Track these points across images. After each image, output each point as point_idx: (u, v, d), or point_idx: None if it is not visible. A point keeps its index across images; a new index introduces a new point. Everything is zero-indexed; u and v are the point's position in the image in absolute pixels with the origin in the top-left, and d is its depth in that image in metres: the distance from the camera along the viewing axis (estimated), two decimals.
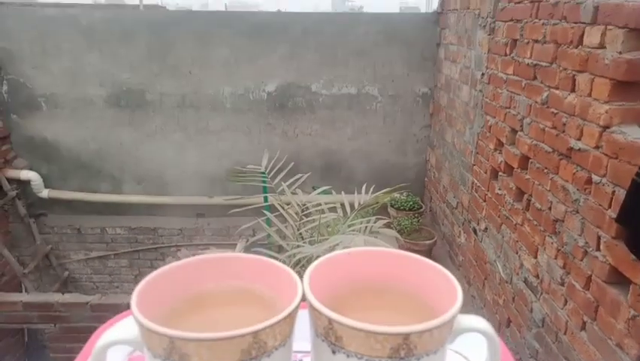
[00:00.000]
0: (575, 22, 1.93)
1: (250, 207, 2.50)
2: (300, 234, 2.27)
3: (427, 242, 3.63)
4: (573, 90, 1.96)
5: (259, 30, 4.02)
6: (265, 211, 2.50)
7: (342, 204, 2.39)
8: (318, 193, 2.46)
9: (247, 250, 3.34)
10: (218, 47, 4.06)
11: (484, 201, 2.94)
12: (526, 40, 2.38)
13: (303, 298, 0.38)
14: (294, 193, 2.40)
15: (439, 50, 4.00)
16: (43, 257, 4.46)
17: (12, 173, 4.23)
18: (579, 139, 1.91)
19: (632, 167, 1.58)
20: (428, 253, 3.65)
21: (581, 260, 1.89)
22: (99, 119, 4.24)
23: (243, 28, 4.01)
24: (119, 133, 4.29)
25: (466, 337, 0.39)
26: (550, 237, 2.14)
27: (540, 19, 2.24)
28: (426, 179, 4.45)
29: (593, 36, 1.82)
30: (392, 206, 3.98)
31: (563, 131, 2.02)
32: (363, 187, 2.46)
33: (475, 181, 3.09)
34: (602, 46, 1.77)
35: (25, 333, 4.20)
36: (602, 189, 1.75)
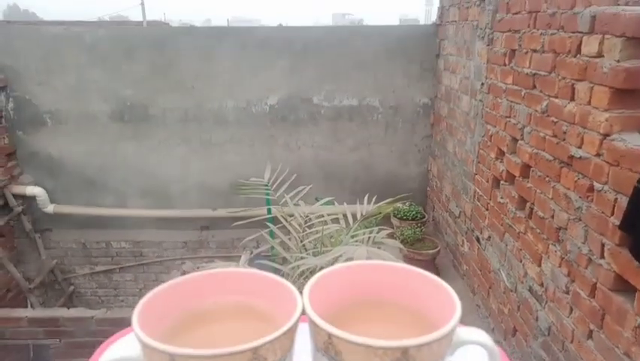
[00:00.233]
0: (573, 32, 1.95)
1: (254, 219, 2.51)
2: (304, 245, 2.28)
3: (431, 252, 3.62)
4: (572, 99, 1.97)
5: (261, 44, 4.06)
6: (268, 223, 2.51)
7: (345, 215, 2.40)
8: (321, 204, 2.47)
9: (251, 262, 3.35)
10: (221, 62, 4.10)
11: (487, 209, 2.94)
12: (524, 50, 2.40)
13: (303, 313, 0.38)
14: (296, 205, 2.41)
15: (438, 61, 4.03)
16: (48, 272, 4.47)
17: (18, 189, 4.26)
18: (580, 147, 1.91)
19: (633, 174, 1.58)
20: (432, 262, 3.64)
21: (586, 268, 1.88)
22: (103, 134, 4.28)
23: (244, 43, 4.06)
24: (123, 148, 4.32)
25: (466, 349, 0.40)
26: (554, 245, 2.14)
27: (538, 29, 2.26)
28: (428, 188, 4.45)
29: (591, 45, 1.84)
30: (395, 216, 3.98)
31: (564, 140, 2.03)
32: (366, 198, 2.47)
33: (477, 190, 3.10)
34: (600, 55, 1.78)
35: (31, 349, 4.20)
36: (604, 196, 1.75)
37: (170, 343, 0.34)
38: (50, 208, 4.38)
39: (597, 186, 1.80)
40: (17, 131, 4.28)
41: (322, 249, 2.20)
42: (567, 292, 2.03)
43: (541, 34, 2.23)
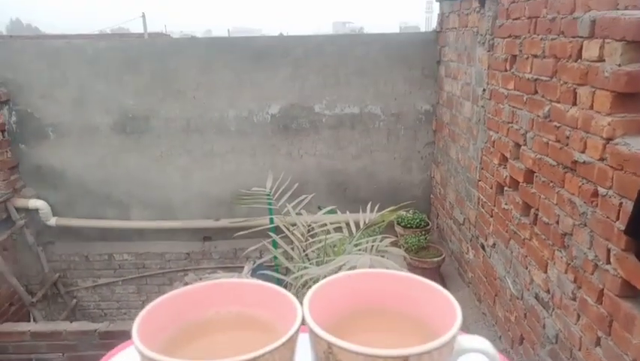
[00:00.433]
0: (573, 37, 1.95)
1: (256, 229, 2.50)
2: (307, 255, 2.26)
3: (435, 259, 3.59)
4: (575, 103, 1.96)
5: (261, 54, 4.08)
6: (271, 233, 2.50)
7: (348, 224, 2.38)
8: (324, 213, 2.46)
9: (254, 272, 3.33)
10: (222, 72, 4.12)
11: (491, 216, 2.92)
12: (525, 56, 2.40)
13: (304, 323, 0.38)
14: (299, 214, 2.40)
15: (439, 68, 4.04)
16: (51, 285, 4.46)
17: (20, 202, 4.27)
18: (583, 152, 1.90)
19: (637, 178, 1.57)
20: (436, 270, 3.61)
21: (592, 274, 1.86)
22: (106, 145, 4.29)
23: (245, 53, 4.08)
24: (125, 159, 4.33)
25: (468, 357, 0.39)
26: (560, 251, 2.11)
27: (538, 35, 2.26)
28: (432, 196, 4.44)
29: (591, 49, 1.83)
30: (399, 224, 3.96)
31: (567, 145, 2.02)
32: (368, 206, 2.46)
33: (481, 197, 3.08)
34: (601, 59, 1.78)
35: None
36: (609, 201, 1.74)
37: (171, 354, 0.34)
38: (53, 221, 4.38)
39: (601, 190, 1.78)
40: (20, 144, 4.30)
41: (325, 258, 2.18)
42: (574, 299, 2.01)
43: (541, 39, 2.23)
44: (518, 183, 2.52)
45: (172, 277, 4.51)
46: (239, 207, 4.01)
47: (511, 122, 2.58)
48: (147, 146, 4.29)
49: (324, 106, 4.20)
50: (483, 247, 3.09)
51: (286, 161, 4.29)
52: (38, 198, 4.36)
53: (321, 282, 0.43)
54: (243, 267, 3.91)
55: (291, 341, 0.36)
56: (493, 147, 2.84)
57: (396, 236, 3.81)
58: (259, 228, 2.51)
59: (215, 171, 4.36)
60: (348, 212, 2.56)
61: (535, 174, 2.34)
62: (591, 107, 1.85)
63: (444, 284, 3.61)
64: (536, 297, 2.36)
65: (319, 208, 2.65)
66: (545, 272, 2.25)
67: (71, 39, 4.56)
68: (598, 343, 1.84)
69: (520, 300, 2.55)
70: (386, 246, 2.17)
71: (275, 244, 2.52)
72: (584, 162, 1.90)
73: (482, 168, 3.05)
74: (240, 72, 4.11)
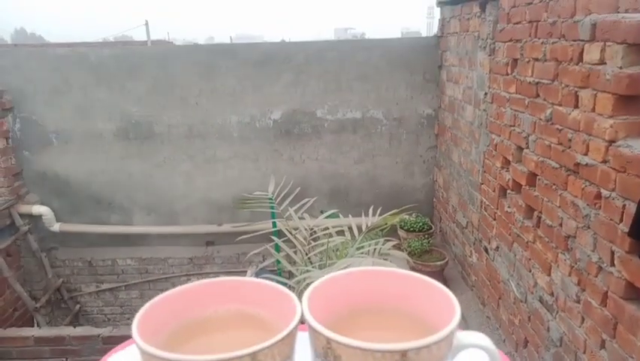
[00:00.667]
0: (574, 40, 1.96)
1: (259, 233, 2.51)
2: (309, 258, 2.26)
3: (439, 263, 3.58)
4: (576, 106, 1.96)
5: (264, 60, 4.10)
6: (273, 237, 2.50)
7: (350, 228, 2.38)
8: (326, 217, 2.46)
9: (257, 276, 3.32)
10: (224, 78, 4.14)
11: (494, 219, 2.91)
12: (526, 59, 2.40)
13: (303, 320, 0.38)
14: (301, 218, 2.40)
15: (441, 72, 4.05)
16: (54, 291, 4.47)
17: (24, 208, 4.29)
18: (586, 154, 1.90)
19: None
20: (440, 274, 3.60)
21: (596, 276, 1.85)
22: (109, 152, 4.31)
23: (247, 59, 4.10)
24: (128, 165, 4.35)
25: (467, 353, 0.39)
26: (563, 253, 2.11)
27: (539, 38, 2.27)
28: (434, 199, 4.43)
29: (592, 53, 1.84)
30: (402, 228, 3.96)
31: (569, 147, 2.02)
32: (370, 209, 2.46)
33: (484, 200, 3.08)
34: (602, 62, 1.78)
35: None
36: (612, 203, 1.73)
37: (170, 351, 0.34)
38: (56, 227, 4.40)
39: (604, 193, 1.78)
40: (24, 151, 4.32)
41: (328, 262, 2.18)
42: (578, 302, 2.00)
43: (542, 43, 2.23)
44: (521, 186, 2.52)
45: (175, 282, 4.51)
46: (242, 212, 4.02)
47: (513, 126, 2.58)
48: (150, 152, 4.31)
49: (326, 111, 4.21)
50: (486, 251, 3.08)
51: (288, 166, 4.30)
52: (42, 204, 4.38)
53: (321, 280, 0.43)
54: (245, 271, 3.91)
55: (290, 337, 0.37)
56: (496, 150, 2.84)
57: (400, 240, 3.80)
58: (262, 232, 2.51)
59: (217, 176, 4.37)
60: (350, 216, 2.56)
61: (537, 177, 2.34)
62: (593, 110, 1.85)
63: (447, 288, 3.59)
64: (540, 300, 2.35)
65: (321, 213, 2.65)
66: (549, 275, 2.25)
67: (75, 47, 4.59)
68: (603, 346, 1.83)
69: (524, 303, 2.54)
70: (389, 249, 2.16)
71: (277, 248, 2.52)
72: (586, 165, 1.89)
73: (485, 172, 3.05)
74: (242, 78, 4.13)
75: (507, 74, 2.64)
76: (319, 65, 4.11)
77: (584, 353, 1.96)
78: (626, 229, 1.63)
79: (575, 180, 1.98)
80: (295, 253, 2.31)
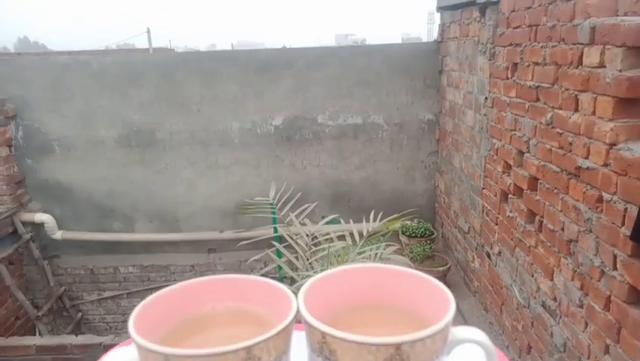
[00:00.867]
0: (574, 44, 1.96)
1: (260, 238, 2.50)
2: (310, 264, 2.26)
3: (441, 269, 3.57)
4: (577, 110, 1.96)
5: (265, 66, 4.12)
6: (274, 243, 2.50)
7: (352, 233, 2.38)
8: (327, 222, 2.46)
9: None
10: (226, 85, 4.16)
11: (496, 224, 2.91)
12: (526, 63, 2.41)
13: (299, 319, 0.38)
14: (302, 224, 2.40)
15: (441, 77, 4.06)
16: (56, 299, 4.47)
17: (26, 216, 4.30)
18: (586, 158, 1.90)
19: None
20: (442, 279, 3.58)
21: (599, 281, 1.85)
22: (111, 159, 4.32)
23: (249, 66, 4.12)
24: (130, 172, 4.36)
25: (463, 349, 0.39)
26: (565, 258, 2.10)
27: (539, 42, 2.27)
28: (436, 205, 4.42)
29: (592, 56, 1.84)
30: (403, 233, 3.95)
31: (570, 151, 2.02)
32: (371, 214, 2.46)
33: (486, 205, 3.07)
34: (601, 65, 1.78)
35: None
36: (614, 206, 1.73)
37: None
38: (58, 235, 4.40)
39: (606, 196, 1.78)
40: (26, 159, 4.34)
41: (329, 267, 2.18)
42: (581, 306, 1.99)
43: (542, 46, 2.24)
44: (522, 190, 2.52)
45: None
46: (244, 218, 4.02)
47: (514, 130, 2.58)
48: (152, 159, 4.32)
49: (327, 117, 4.22)
50: (488, 256, 3.07)
51: (290, 172, 4.30)
52: (44, 212, 4.38)
53: (317, 276, 0.43)
54: None
55: (286, 332, 0.37)
56: (497, 154, 2.84)
57: (402, 246, 3.79)
58: (263, 237, 2.51)
59: (219, 182, 4.38)
60: (352, 221, 2.56)
61: (539, 181, 2.33)
62: (593, 113, 1.85)
63: None
64: (543, 305, 2.34)
65: (323, 218, 2.65)
66: (552, 280, 2.23)
67: (77, 55, 4.63)
68: (607, 351, 1.81)
69: (527, 308, 2.52)
70: (390, 254, 2.16)
71: (279, 254, 2.52)
72: (587, 168, 1.89)
73: (486, 176, 3.04)
74: (244, 85, 4.15)
75: (507, 79, 2.64)
76: (320, 70, 4.13)
77: (588, 358, 1.94)
78: (628, 233, 1.62)
79: (577, 184, 1.98)
80: (297, 258, 2.31)
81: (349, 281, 0.45)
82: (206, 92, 4.17)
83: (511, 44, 2.59)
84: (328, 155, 4.31)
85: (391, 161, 4.34)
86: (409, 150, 4.32)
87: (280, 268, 2.49)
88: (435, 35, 4.25)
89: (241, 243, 2.65)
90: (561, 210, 2.12)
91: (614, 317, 1.76)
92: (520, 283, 2.60)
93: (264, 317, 0.42)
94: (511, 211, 2.68)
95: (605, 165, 1.78)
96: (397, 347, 0.33)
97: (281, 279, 2.56)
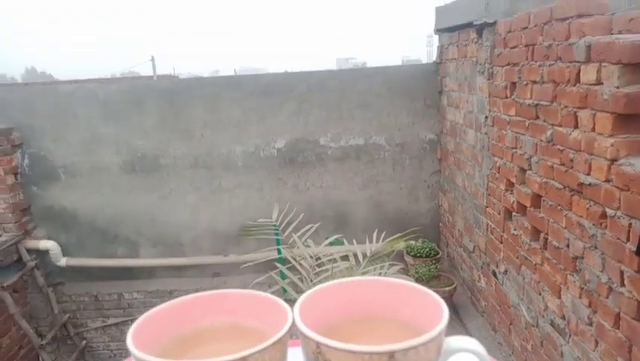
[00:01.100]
0: (570, 62, 1.99)
1: (263, 260, 2.50)
2: (314, 285, 2.24)
3: (447, 289, 3.53)
4: (576, 126, 1.98)
5: (267, 91, 4.18)
6: (278, 264, 2.49)
7: (355, 254, 2.37)
8: (330, 243, 2.45)
9: None
10: (229, 109, 4.21)
11: (501, 242, 2.89)
12: (525, 82, 2.44)
13: (296, 333, 0.38)
14: (306, 245, 2.40)
15: (441, 98, 4.10)
16: (60, 327, 4.43)
17: (31, 243, 4.31)
18: (588, 174, 1.90)
19: None
20: (449, 300, 3.54)
21: (607, 297, 1.82)
22: (115, 185, 4.35)
23: (251, 90, 4.18)
24: (134, 198, 4.38)
25: (458, 358, 0.39)
26: (572, 275, 2.08)
27: (536, 61, 2.30)
28: (440, 224, 4.41)
29: (589, 73, 1.86)
30: (408, 253, 3.92)
31: (572, 167, 2.02)
32: (375, 233, 2.45)
33: (490, 223, 3.06)
34: (599, 82, 1.80)
35: None
36: (618, 222, 1.72)
37: None
38: (63, 262, 4.40)
39: (610, 212, 1.77)
40: (32, 186, 4.38)
41: None
42: (590, 324, 1.96)
43: (539, 65, 2.27)
44: (526, 207, 2.51)
45: None
46: (248, 242, 4.01)
47: (515, 148, 2.59)
48: (156, 184, 4.35)
49: (329, 139, 4.26)
50: (495, 275, 3.04)
51: (293, 194, 4.31)
52: (49, 238, 4.39)
53: (313, 289, 0.43)
54: None
55: (281, 343, 0.37)
56: (499, 172, 2.84)
57: (407, 266, 3.76)
58: (266, 259, 2.50)
59: (223, 206, 4.39)
60: (355, 242, 2.55)
61: (542, 198, 2.33)
62: (593, 130, 1.86)
63: (457, 314, 3.53)
64: (552, 323, 2.30)
65: (327, 239, 2.65)
66: (559, 297, 2.21)
67: (83, 83, 4.72)
68: None
69: (536, 327, 2.48)
70: (394, 273, 2.14)
71: (283, 276, 2.50)
72: (590, 184, 1.89)
73: (489, 195, 3.04)
74: (246, 109, 4.20)
75: (506, 97, 2.67)
76: (321, 94, 4.18)
77: None
78: (634, 248, 1.61)
79: (580, 200, 1.98)
80: (301, 280, 2.29)
81: (345, 294, 0.45)
82: (209, 117, 4.22)
83: (508, 64, 2.62)
84: (331, 176, 4.32)
85: (394, 181, 4.34)
86: (411, 169, 4.33)
87: (284, 290, 2.47)
88: (434, 57, 4.31)
89: (245, 265, 2.64)
90: (565, 227, 2.11)
91: (624, 334, 1.73)
92: (527, 301, 2.57)
93: (262, 332, 0.43)
94: (515, 229, 2.66)
95: (607, 180, 1.78)
96: (390, 355, 0.34)
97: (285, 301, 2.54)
